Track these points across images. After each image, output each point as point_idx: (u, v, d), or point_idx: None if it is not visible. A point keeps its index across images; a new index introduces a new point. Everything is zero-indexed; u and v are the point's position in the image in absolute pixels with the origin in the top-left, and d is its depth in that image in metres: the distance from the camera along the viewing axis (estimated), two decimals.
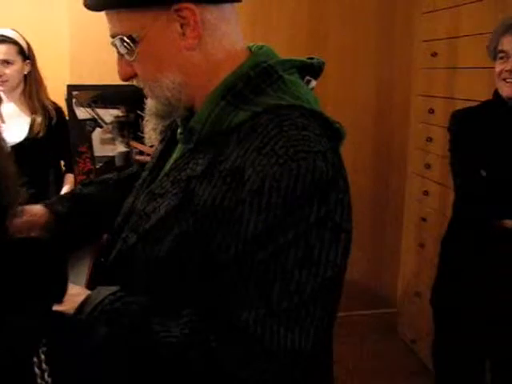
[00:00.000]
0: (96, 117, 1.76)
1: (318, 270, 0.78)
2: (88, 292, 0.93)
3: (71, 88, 1.72)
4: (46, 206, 1.20)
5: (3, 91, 2.52)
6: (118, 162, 1.94)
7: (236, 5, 0.92)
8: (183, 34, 0.86)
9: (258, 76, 0.88)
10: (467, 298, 1.80)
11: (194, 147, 0.90)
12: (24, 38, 2.51)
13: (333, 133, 0.87)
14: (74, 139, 1.82)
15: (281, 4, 2.87)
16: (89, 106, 1.72)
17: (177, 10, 0.84)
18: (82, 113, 1.73)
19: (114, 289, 0.90)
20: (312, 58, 0.96)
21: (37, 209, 1.19)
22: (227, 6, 0.89)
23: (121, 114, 1.79)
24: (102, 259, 1.06)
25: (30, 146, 2.47)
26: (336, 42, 2.90)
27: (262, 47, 0.94)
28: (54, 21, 2.82)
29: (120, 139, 1.88)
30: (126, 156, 1.93)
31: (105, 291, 0.90)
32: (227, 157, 0.83)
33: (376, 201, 3.04)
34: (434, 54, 2.62)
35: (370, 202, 2.98)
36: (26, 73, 2.51)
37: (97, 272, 1.14)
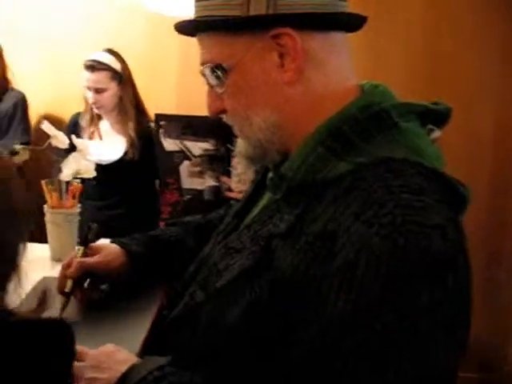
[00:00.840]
0: (184, 149, 1.67)
1: (422, 370, 0.63)
2: (134, 360, 0.83)
3: (159, 118, 1.65)
4: (122, 246, 1.15)
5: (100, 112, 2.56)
6: (206, 196, 1.85)
7: (348, 35, 0.79)
8: (281, 66, 0.74)
9: (368, 120, 0.73)
10: None
11: (281, 198, 0.78)
12: (120, 59, 2.51)
13: (455, 197, 0.72)
14: (161, 170, 1.75)
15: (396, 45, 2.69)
16: (177, 137, 1.64)
17: (275, 37, 0.73)
18: (169, 144, 1.65)
19: (162, 361, 0.79)
20: (436, 103, 0.80)
21: (112, 248, 1.15)
22: (337, 35, 0.77)
23: (210, 148, 1.70)
24: (168, 310, 0.96)
25: (124, 166, 2.50)
26: (454, 78, 2.69)
27: (377, 86, 0.79)
28: (165, 47, 2.83)
29: (209, 173, 1.78)
30: (216, 190, 1.83)
31: (151, 364, 0.79)
32: (318, 216, 0.70)
33: (490, 255, 2.74)
34: None
35: (483, 256, 2.69)
36: (121, 94, 2.52)
37: (159, 323, 1.03)
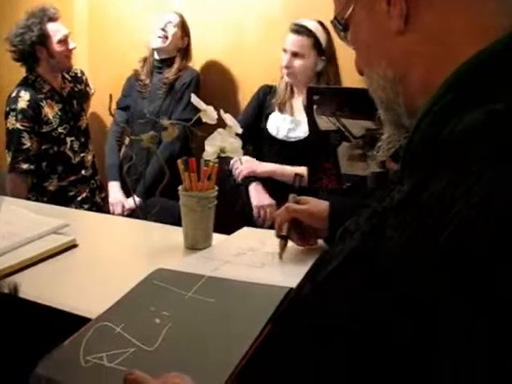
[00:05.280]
0: (342, 128, 1.43)
1: None
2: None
3: (312, 91, 1.42)
4: (330, 203, 1.24)
5: (293, 84, 2.46)
6: (370, 184, 1.59)
7: None
8: (388, 14, 0.64)
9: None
10: None
11: (403, 165, 0.64)
12: (327, 32, 2.38)
13: None
14: (315, 153, 1.52)
15: None
16: (333, 114, 1.40)
17: None
18: (324, 123, 1.42)
19: None
20: None
21: (321, 203, 1.26)
22: None
23: (374, 127, 1.43)
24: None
25: (307, 146, 2.35)
26: None
27: None
28: None
29: (373, 157, 1.52)
30: (382, 177, 1.56)
31: None
32: (437, 182, 0.54)
33: None
34: None
35: None
36: (318, 70, 2.43)
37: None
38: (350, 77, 2.50)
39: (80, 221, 1.66)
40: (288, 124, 2.50)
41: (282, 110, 2.52)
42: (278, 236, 1.26)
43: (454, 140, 0.56)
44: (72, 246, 1.36)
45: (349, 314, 0.57)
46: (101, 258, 1.33)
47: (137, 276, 1.07)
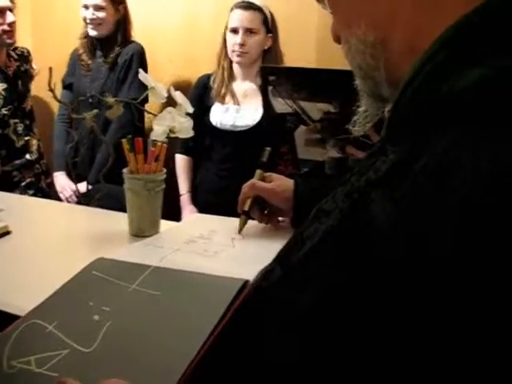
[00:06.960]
0: (299, 111, 1.35)
1: None
2: None
3: (266, 71, 1.33)
4: (296, 182, 1.24)
5: (241, 64, 2.37)
6: (328, 170, 1.52)
7: None
8: None
9: None
10: None
11: (387, 134, 0.57)
12: (268, 9, 2.37)
13: None
14: (271, 137, 1.44)
15: None
16: (289, 96, 1.31)
17: None
18: (280, 105, 1.33)
19: None
20: None
21: (288, 182, 1.25)
22: None
23: (333, 110, 1.36)
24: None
25: (261, 131, 2.29)
26: None
27: None
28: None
29: (332, 142, 1.45)
30: (340, 163, 1.49)
31: None
32: (432, 148, 0.46)
33: None
34: None
35: None
36: (266, 47, 2.38)
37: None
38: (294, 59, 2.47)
39: (17, 206, 1.53)
40: (234, 113, 2.39)
41: (222, 102, 2.42)
42: (241, 211, 1.27)
43: (457, 98, 0.48)
44: (4, 233, 1.24)
45: (328, 303, 0.48)
46: (37, 246, 1.22)
47: (76, 267, 0.97)
